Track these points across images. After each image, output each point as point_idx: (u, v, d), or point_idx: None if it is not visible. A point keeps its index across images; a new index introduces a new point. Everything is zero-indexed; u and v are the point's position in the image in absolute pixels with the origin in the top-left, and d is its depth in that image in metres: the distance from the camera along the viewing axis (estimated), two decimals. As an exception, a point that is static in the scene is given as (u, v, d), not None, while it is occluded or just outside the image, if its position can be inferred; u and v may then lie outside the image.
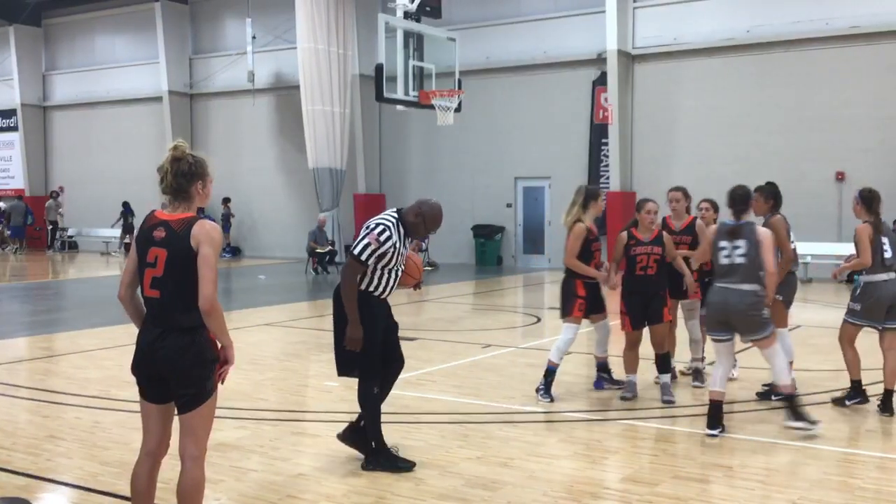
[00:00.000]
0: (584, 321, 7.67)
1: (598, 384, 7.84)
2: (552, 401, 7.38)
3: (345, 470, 5.51)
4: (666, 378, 7.38)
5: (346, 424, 5.74)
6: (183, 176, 3.95)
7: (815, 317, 12.76)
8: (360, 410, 5.65)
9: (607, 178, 20.99)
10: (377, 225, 5.42)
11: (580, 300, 7.51)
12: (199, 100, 28.07)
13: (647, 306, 7.30)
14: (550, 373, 7.48)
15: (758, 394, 7.51)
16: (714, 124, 19.91)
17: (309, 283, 19.19)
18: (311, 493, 5.10)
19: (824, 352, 9.85)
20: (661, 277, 7.31)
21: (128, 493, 4.27)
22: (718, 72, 19.85)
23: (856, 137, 18.30)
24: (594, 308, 7.64)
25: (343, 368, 5.61)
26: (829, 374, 8.54)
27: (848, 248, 18.15)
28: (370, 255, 5.34)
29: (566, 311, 7.60)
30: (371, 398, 5.52)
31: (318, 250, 20.78)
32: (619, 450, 6.04)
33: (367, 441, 5.61)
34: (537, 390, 7.50)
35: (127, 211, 27.28)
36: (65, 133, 31.29)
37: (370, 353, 5.46)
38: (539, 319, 13.04)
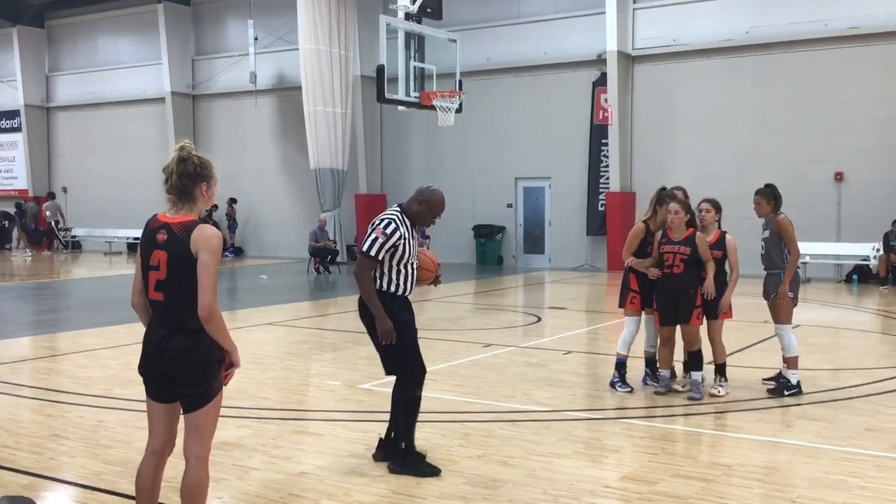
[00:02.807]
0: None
1: (645, 380, 7.91)
2: (631, 390, 7.62)
3: (346, 468, 5.53)
4: (697, 376, 7.43)
5: (377, 443, 5.68)
6: (188, 177, 3.96)
7: (815, 316, 12.79)
8: (384, 421, 5.62)
9: (607, 178, 21.04)
10: (382, 220, 5.38)
11: (632, 293, 7.68)
12: (201, 101, 28.13)
13: (676, 304, 7.37)
14: (621, 365, 7.70)
15: (769, 390, 7.57)
16: (714, 124, 19.94)
17: (311, 283, 19.23)
18: (313, 492, 5.13)
19: (824, 351, 9.89)
20: (689, 277, 7.34)
21: (131, 491, 4.31)
22: (718, 72, 19.89)
23: (855, 138, 18.33)
24: (649, 303, 7.69)
25: (390, 369, 5.56)
26: (828, 374, 8.57)
27: (848, 249, 18.27)
28: (379, 250, 5.28)
29: (621, 303, 7.85)
30: (412, 401, 5.49)
31: (318, 246, 20.78)
32: (619, 448, 6.07)
33: (399, 450, 5.61)
34: (612, 384, 7.72)
35: (20, 212, 27.59)
36: (68, 134, 31.36)
37: (413, 356, 5.45)
38: (539, 319, 13.06)
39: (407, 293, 5.48)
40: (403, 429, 5.49)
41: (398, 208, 5.52)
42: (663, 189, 7.82)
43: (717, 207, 7.70)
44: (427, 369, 5.67)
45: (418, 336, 5.67)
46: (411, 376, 5.50)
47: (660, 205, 7.62)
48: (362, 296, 5.35)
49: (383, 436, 5.69)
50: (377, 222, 5.38)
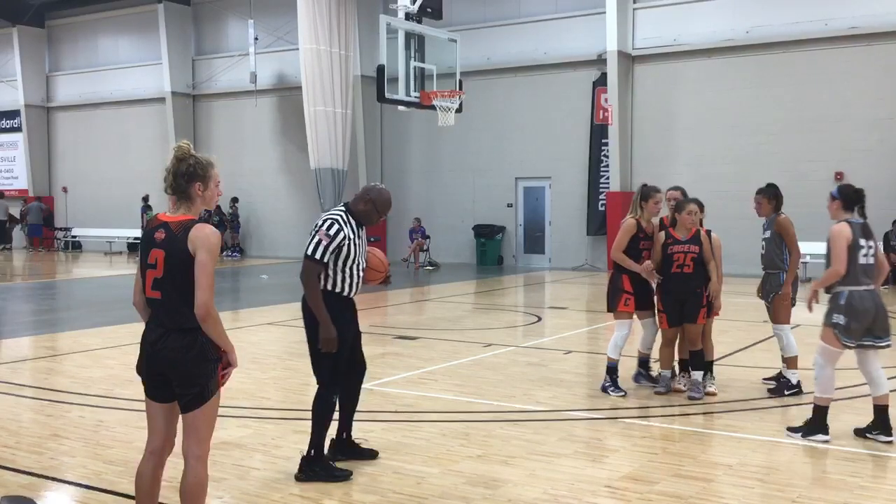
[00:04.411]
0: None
1: (636, 378, 7.91)
2: (624, 395, 7.50)
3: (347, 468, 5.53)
4: (697, 375, 7.43)
5: (329, 443, 5.61)
6: (182, 176, 3.97)
7: (815, 316, 12.75)
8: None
9: (607, 178, 21.05)
10: (325, 221, 5.27)
11: (626, 295, 7.57)
12: (201, 101, 28.13)
13: (683, 304, 7.36)
14: (612, 369, 7.60)
15: (769, 390, 7.59)
16: (714, 125, 19.94)
17: (311, 284, 19.20)
18: (314, 492, 5.12)
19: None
20: (698, 276, 7.36)
21: (131, 491, 4.31)
22: (718, 72, 19.89)
23: (855, 137, 18.33)
24: (642, 305, 7.63)
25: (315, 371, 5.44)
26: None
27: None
28: (324, 252, 5.17)
29: (612, 306, 7.71)
30: (327, 407, 5.33)
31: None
32: (620, 448, 6.07)
33: (358, 448, 5.60)
34: (604, 389, 7.59)
35: None
36: (68, 134, 31.37)
37: (335, 361, 5.30)
38: (540, 319, 13.07)
39: (351, 295, 5.38)
40: (314, 434, 5.34)
41: (343, 208, 5.43)
42: (644, 185, 7.82)
43: (702, 207, 7.74)
44: (342, 379, 5.47)
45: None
46: (331, 382, 5.35)
47: (644, 201, 7.57)
48: (309, 301, 5.23)
49: (334, 436, 5.65)
50: (319, 223, 5.28)
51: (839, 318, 6.03)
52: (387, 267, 5.76)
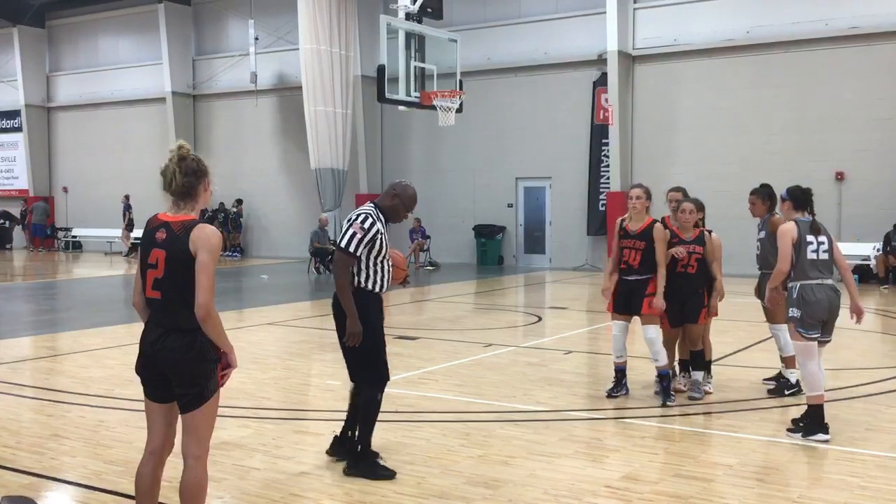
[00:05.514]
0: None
1: (611, 392, 7.68)
2: (615, 396, 7.46)
3: (347, 468, 5.54)
4: (698, 375, 7.43)
5: (332, 440, 5.73)
6: (192, 174, 3.97)
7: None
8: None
9: (608, 178, 21.05)
10: (359, 215, 5.37)
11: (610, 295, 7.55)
12: (202, 101, 28.14)
13: (684, 304, 7.35)
14: (615, 370, 7.58)
15: (769, 390, 7.59)
16: (714, 125, 19.95)
17: (311, 283, 19.24)
18: (314, 492, 5.13)
19: (824, 350, 9.86)
20: (700, 277, 7.37)
21: (131, 491, 4.31)
22: (718, 72, 19.90)
23: (855, 137, 18.34)
24: (632, 308, 7.43)
25: (355, 374, 5.53)
26: (828, 373, 8.53)
27: (848, 248, 18.27)
28: (358, 245, 5.27)
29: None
30: (375, 405, 5.44)
31: (318, 245, 20.71)
32: (620, 448, 6.07)
33: (353, 448, 5.62)
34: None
35: None
36: (68, 134, 31.38)
37: (380, 359, 5.42)
38: (540, 319, 13.07)
39: (384, 291, 5.48)
40: (363, 432, 5.45)
41: (372, 204, 5.53)
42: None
43: (701, 207, 7.73)
44: (391, 377, 5.63)
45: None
46: (380, 380, 5.46)
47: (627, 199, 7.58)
48: (338, 293, 5.33)
49: (339, 433, 5.71)
50: (354, 217, 5.38)
51: (794, 312, 6.23)
52: (406, 265, 5.87)
